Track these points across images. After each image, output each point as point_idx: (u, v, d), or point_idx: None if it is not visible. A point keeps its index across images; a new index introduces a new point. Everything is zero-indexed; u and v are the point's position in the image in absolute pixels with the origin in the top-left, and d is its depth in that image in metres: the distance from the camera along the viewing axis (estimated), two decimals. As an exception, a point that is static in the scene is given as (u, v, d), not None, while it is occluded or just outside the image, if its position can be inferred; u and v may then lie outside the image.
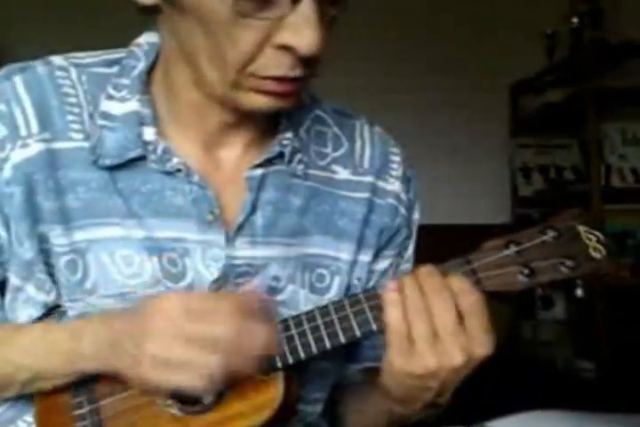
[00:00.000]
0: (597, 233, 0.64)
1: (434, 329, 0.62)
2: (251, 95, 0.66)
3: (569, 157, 2.86)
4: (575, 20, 2.60)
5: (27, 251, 0.71)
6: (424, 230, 0.88)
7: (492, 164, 2.94)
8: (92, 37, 1.72)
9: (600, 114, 2.45)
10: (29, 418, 0.73)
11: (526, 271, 0.63)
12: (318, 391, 0.81)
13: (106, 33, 1.75)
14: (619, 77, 2.48)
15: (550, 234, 0.64)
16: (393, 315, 0.64)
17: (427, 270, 0.65)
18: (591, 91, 2.41)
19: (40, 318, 0.71)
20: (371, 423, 0.81)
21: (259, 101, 0.66)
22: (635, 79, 2.48)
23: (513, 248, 0.64)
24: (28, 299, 0.72)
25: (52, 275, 0.71)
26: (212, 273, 0.72)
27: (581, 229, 0.64)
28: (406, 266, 0.85)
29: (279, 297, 0.75)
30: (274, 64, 0.63)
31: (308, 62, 0.63)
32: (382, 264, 0.82)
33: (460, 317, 0.63)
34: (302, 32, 0.61)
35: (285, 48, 0.62)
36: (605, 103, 2.42)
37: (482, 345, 0.62)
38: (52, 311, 0.71)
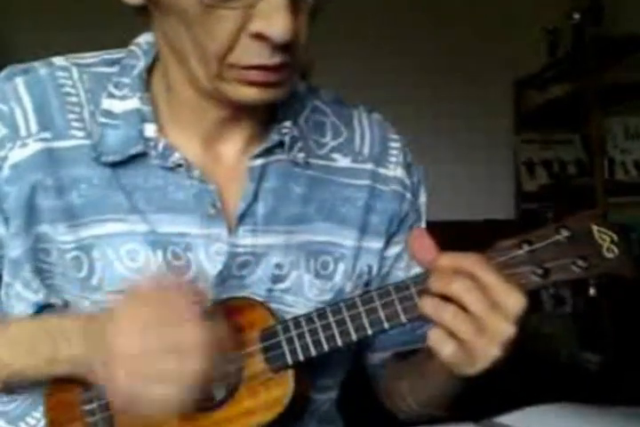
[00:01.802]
0: (612, 234, 0.63)
1: (478, 327, 0.59)
2: (237, 87, 0.66)
3: (572, 152, 2.87)
4: (577, 15, 2.60)
5: (14, 249, 0.71)
6: (428, 226, 0.87)
7: (496, 159, 2.94)
8: (93, 37, 1.75)
9: (602, 108, 2.46)
10: (38, 414, 0.74)
11: (539, 271, 0.62)
12: (331, 378, 0.82)
13: (107, 32, 1.76)
14: (621, 72, 2.48)
15: (564, 234, 0.63)
16: (446, 350, 0.61)
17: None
18: (593, 86, 2.42)
19: (39, 314, 0.72)
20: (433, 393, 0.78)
21: (246, 93, 0.66)
22: (637, 74, 2.48)
23: (526, 248, 0.63)
24: (17, 296, 0.73)
25: (43, 274, 0.72)
26: (216, 266, 0.72)
27: (595, 229, 0.63)
28: None
29: (283, 285, 0.75)
30: (251, 53, 0.63)
31: (286, 49, 0.63)
32: (394, 249, 0.83)
33: (479, 288, 0.60)
34: (272, 20, 0.60)
35: (260, 36, 0.62)
36: (608, 98, 2.43)
37: (512, 298, 0.59)
38: (47, 309, 0.72)
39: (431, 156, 2.63)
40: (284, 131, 0.75)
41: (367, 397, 0.91)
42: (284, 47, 0.62)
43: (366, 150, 0.82)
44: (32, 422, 0.75)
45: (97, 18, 2.45)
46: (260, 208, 0.74)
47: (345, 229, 0.79)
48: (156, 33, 0.72)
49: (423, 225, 0.87)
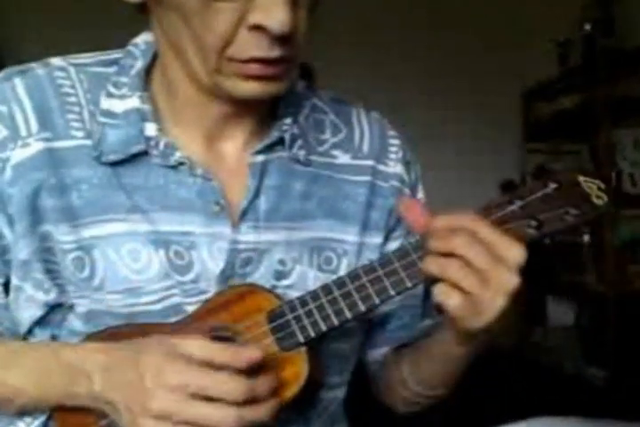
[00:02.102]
0: (597, 181, 0.65)
1: (482, 279, 0.61)
2: (236, 81, 0.66)
3: (579, 164, 2.86)
4: (587, 27, 2.61)
5: (21, 251, 0.71)
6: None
7: (504, 168, 2.95)
8: (95, 37, 1.75)
9: (612, 120, 2.46)
10: (28, 419, 0.73)
11: (533, 223, 0.64)
12: (338, 375, 0.81)
13: (108, 32, 1.77)
14: (632, 84, 2.48)
15: (552, 186, 0.65)
16: (453, 302, 0.62)
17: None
18: (603, 97, 2.43)
19: (44, 317, 0.72)
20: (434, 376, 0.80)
21: (246, 87, 0.66)
22: (647, 87, 2.48)
23: (518, 203, 0.65)
24: (28, 298, 0.72)
25: (53, 273, 0.71)
26: (218, 264, 0.72)
27: (581, 179, 0.65)
28: None
29: (287, 281, 0.75)
30: (251, 46, 0.63)
31: (285, 42, 0.64)
32: (393, 244, 0.83)
33: (479, 243, 0.61)
34: (271, 12, 0.61)
35: (259, 29, 0.62)
36: (617, 109, 2.43)
37: (513, 250, 0.61)
38: (54, 310, 0.72)
39: (439, 165, 2.64)
40: (285, 128, 0.76)
41: (373, 399, 0.91)
42: (282, 40, 0.63)
43: (366, 147, 0.83)
44: (22, 426, 0.74)
45: (99, 18, 2.48)
46: (262, 204, 0.74)
47: (347, 225, 0.79)
48: (155, 30, 0.73)
49: None
